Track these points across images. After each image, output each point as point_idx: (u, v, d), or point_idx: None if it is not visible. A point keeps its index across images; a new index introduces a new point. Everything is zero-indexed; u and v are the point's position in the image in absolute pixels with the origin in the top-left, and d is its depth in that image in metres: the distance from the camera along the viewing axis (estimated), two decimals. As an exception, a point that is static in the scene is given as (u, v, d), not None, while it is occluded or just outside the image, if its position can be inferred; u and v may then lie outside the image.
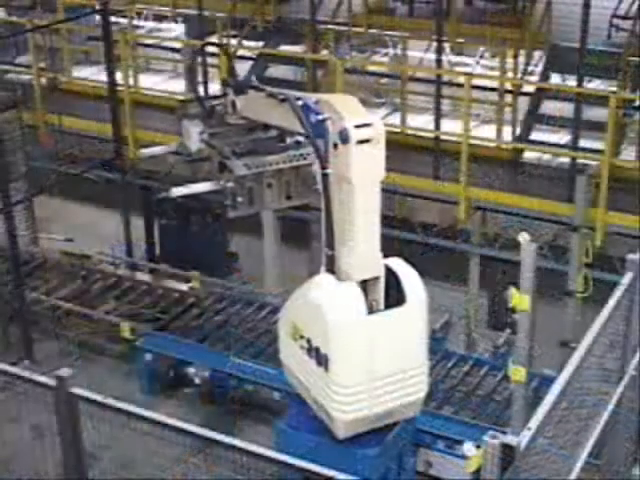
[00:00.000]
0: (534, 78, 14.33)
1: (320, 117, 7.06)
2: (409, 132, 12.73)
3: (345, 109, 7.09)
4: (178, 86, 16.00)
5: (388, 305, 7.34)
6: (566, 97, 12.26)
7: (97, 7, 13.08)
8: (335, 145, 6.99)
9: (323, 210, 7.26)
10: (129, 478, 6.39)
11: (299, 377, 7.73)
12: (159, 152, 9.96)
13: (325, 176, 7.08)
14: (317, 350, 7.27)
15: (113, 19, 14.70)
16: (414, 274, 7.44)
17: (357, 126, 6.87)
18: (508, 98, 13.16)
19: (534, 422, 4.69)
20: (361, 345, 7.16)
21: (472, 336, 12.01)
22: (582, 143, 11.44)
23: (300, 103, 7.22)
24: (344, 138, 6.88)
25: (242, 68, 15.22)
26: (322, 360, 7.22)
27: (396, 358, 7.38)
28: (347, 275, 7.21)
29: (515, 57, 14.01)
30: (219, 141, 8.76)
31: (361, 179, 6.99)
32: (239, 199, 8.53)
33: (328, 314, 7.11)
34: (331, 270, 7.31)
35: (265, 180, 8.50)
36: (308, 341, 7.38)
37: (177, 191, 8.61)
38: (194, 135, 8.84)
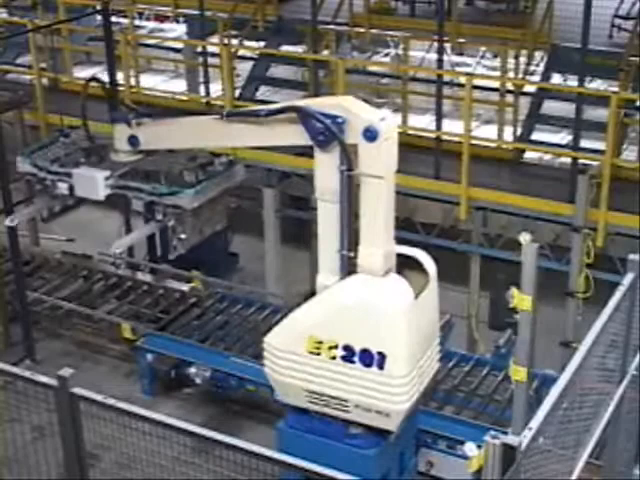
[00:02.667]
0: (535, 78, 14.33)
1: (339, 119, 7.01)
2: (410, 132, 12.73)
3: (358, 109, 7.14)
4: (179, 86, 16.03)
5: None
6: (567, 97, 12.26)
7: (98, 7, 13.08)
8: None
9: (337, 214, 7.24)
10: (130, 478, 6.38)
11: (322, 391, 7.55)
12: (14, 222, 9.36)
13: (350, 178, 7.09)
14: (365, 352, 7.23)
15: (114, 19, 14.73)
16: (424, 253, 7.69)
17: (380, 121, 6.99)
18: (509, 98, 13.15)
19: (535, 422, 4.69)
20: (412, 331, 7.29)
21: (473, 336, 12.02)
22: (583, 143, 11.42)
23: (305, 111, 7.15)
24: (371, 135, 6.92)
25: (244, 68, 15.25)
26: (373, 360, 7.22)
27: (427, 336, 7.61)
28: (374, 270, 7.27)
29: (516, 57, 13.99)
30: (136, 181, 8.25)
31: (388, 173, 7.12)
32: (182, 236, 8.21)
33: (385, 310, 7.18)
34: (350, 272, 7.33)
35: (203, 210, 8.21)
36: (346, 348, 7.30)
37: (119, 245, 8.24)
38: (100, 182, 8.26)
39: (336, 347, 7.34)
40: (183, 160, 8.52)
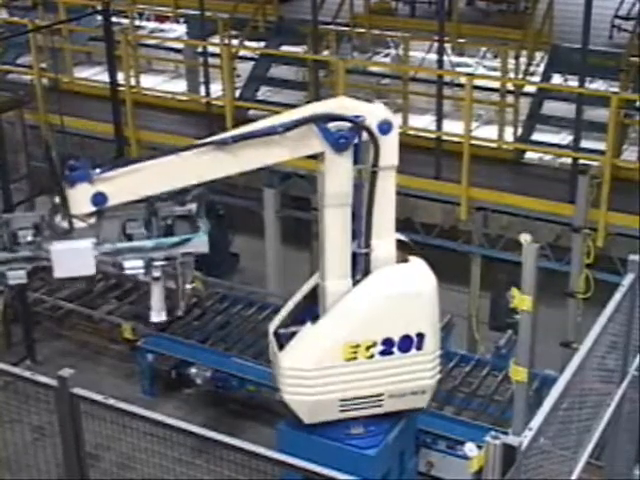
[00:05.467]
0: (536, 78, 14.32)
1: (360, 118, 7.04)
2: (411, 132, 12.73)
3: (365, 106, 7.24)
4: (179, 86, 16.02)
5: None
6: (568, 97, 12.25)
7: (99, 7, 13.09)
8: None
9: (349, 215, 7.28)
10: (130, 479, 6.39)
11: (357, 394, 7.53)
12: None
13: (374, 173, 7.20)
14: (405, 338, 7.40)
15: (115, 19, 14.72)
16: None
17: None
18: (510, 99, 13.14)
19: (535, 422, 4.69)
20: None
21: (474, 336, 12.01)
22: (583, 143, 11.42)
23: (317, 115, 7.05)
24: (387, 128, 7.09)
25: (244, 68, 15.24)
26: (412, 343, 7.43)
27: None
28: (391, 259, 7.45)
29: (517, 57, 14.00)
30: (123, 243, 7.29)
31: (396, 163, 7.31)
32: (188, 286, 7.56)
33: (421, 292, 7.41)
34: (367, 271, 7.40)
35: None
36: (385, 342, 7.39)
37: (158, 314, 7.47)
38: (89, 254, 7.09)
39: (374, 345, 7.40)
40: (144, 207, 7.46)
